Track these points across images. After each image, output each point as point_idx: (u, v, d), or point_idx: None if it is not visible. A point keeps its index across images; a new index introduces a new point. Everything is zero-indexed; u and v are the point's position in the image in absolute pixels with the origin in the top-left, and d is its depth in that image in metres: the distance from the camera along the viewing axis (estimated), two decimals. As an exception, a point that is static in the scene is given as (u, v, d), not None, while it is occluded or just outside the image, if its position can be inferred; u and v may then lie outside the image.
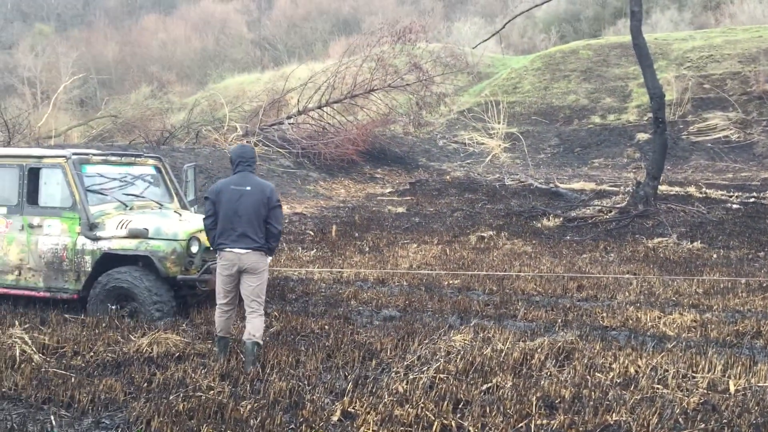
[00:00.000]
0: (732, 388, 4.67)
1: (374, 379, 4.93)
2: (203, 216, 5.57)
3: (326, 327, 6.59)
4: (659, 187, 15.55)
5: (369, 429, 3.97)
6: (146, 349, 5.60)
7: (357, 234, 13.32)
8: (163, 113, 27.37)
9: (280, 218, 5.52)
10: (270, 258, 5.63)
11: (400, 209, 16.60)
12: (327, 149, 21.07)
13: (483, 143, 27.69)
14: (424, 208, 16.71)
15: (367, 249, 11.80)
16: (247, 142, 20.31)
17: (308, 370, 5.18)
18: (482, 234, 13.04)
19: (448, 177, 21.52)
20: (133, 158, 8.16)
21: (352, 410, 4.28)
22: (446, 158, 26.31)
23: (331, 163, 21.21)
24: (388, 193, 19.54)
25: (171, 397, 4.53)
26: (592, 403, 4.38)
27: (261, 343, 5.42)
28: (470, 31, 48.49)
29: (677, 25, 44.44)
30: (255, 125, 22.34)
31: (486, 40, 21.31)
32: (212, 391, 4.62)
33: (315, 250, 11.60)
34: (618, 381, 4.85)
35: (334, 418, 4.21)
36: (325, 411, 4.32)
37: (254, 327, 5.36)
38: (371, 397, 4.49)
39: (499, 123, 28.07)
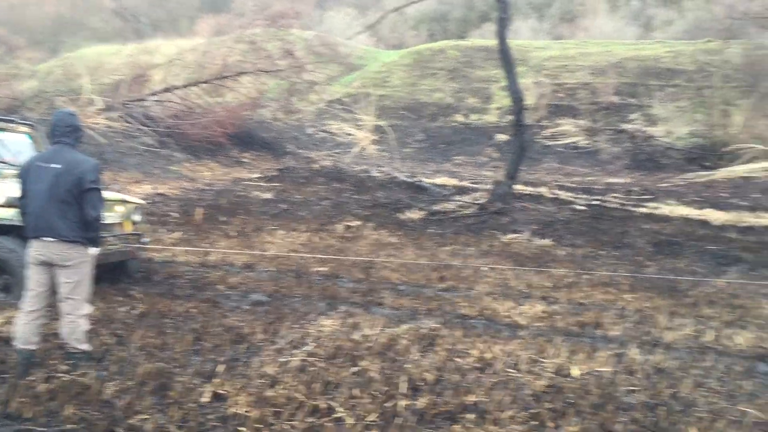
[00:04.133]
0: (575, 373, 5.13)
1: (244, 362, 4.97)
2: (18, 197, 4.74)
3: (194, 310, 6.53)
4: (515, 186, 16.50)
5: (240, 410, 4.02)
6: (2, 329, 5.31)
7: (223, 218, 13.14)
8: (10, 79, 25.38)
9: (96, 203, 4.55)
10: (94, 249, 4.68)
11: (268, 195, 16.51)
12: (193, 130, 20.50)
13: (351, 134, 28.01)
14: (292, 195, 16.72)
15: (234, 233, 11.68)
16: (107, 118, 19.36)
17: (176, 353, 5.13)
18: (349, 223, 13.28)
19: (316, 165, 21.62)
20: (4, 123, 7.59)
21: (223, 392, 4.31)
22: (315, 147, 26.37)
23: (197, 145, 20.65)
24: (256, 178, 19.35)
25: (30, 378, 4.35)
26: (452, 385, 4.66)
27: (85, 349, 4.67)
28: (342, 21, 48.72)
29: (537, 34, 47.00)
30: (116, 99, 21.30)
31: (361, 33, 21.57)
32: (75, 372, 4.47)
33: (180, 232, 11.34)
34: (476, 365, 5.19)
35: (204, 400, 4.22)
36: (194, 392, 4.32)
37: (69, 332, 4.61)
38: (242, 379, 4.54)
39: (368, 115, 28.50)
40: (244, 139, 23.28)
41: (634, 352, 5.71)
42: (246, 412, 3.97)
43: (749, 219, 15.77)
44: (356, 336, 5.69)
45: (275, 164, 22.01)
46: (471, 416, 4.12)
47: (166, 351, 5.19)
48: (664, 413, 4.33)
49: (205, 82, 22.09)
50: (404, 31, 54.07)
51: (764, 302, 8.32)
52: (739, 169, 21.53)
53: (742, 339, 6.44)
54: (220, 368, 4.73)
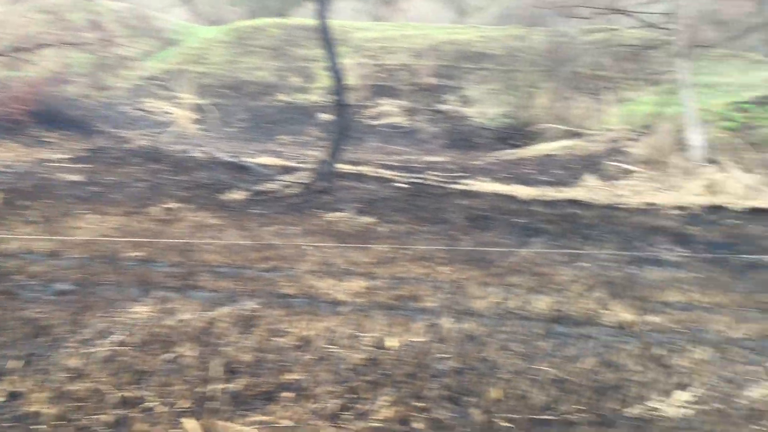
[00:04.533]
0: (392, 345, 5.30)
1: (44, 356, 4.61)
2: None
3: (-15, 304, 5.95)
4: (339, 165, 16.68)
5: (37, 407, 3.73)
6: None
7: (24, 203, 12.07)
8: None
9: None
10: None
11: (76, 177, 15.39)
12: (-13, 107, 18.60)
13: (169, 113, 26.82)
14: (104, 177, 15.71)
15: (37, 219, 10.78)
16: None
17: (-36, 352, 4.66)
18: (167, 206, 12.73)
19: (131, 145, 20.47)
20: None
21: (18, 390, 3.98)
22: (129, 126, 24.93)
23: (-8, 123, 18.77)
24: (62, 159, 17.94)
25: None
26: (271, 365, 4.64)
27: None
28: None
29: (358, 15, 47.59)
30: None
31: (176, 6, 20.59)
32: None
33: (-28, 220, 10.27)
34: (296, 344, 5.20)
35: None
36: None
37: None
38: (41, 375, 4.21)
39: (186, 93, 27.41)
40: (49, 117, 21.47)
41: (446, 322, 6.00)
42: (44, 408, 3.69)
43: (551, 193, 17.13)
44: (171, 321, 5.48)
45: (85, 144, 20.55)
46: (289, 394, 4.12)
47: (-48, 350, 4.70)
48: (471, 377, 4.59)
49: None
50: (223, 7, 52.44)
51: (562, 269, 9.09)
52: (543, 148, 23.28)
53: (542, 304, 6.98)
54: (15, 364, 4.35)
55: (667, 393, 4.47)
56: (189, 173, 16.71)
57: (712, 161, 19.03)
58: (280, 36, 33.92)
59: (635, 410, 4.15)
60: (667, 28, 20.58)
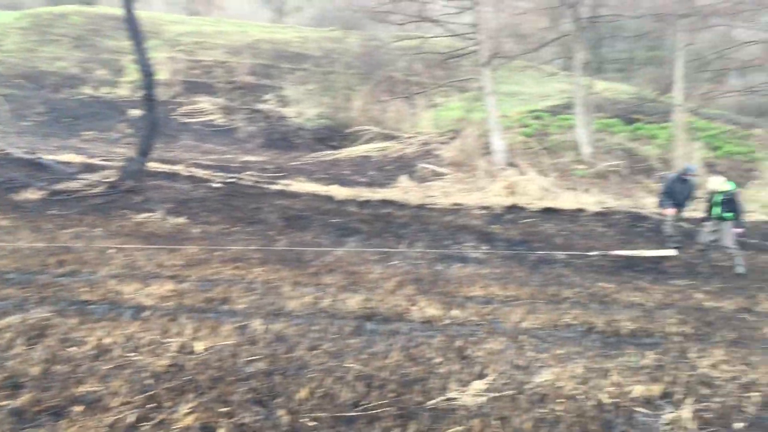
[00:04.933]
0: (199, 348, 5.12)
1: None
2: None
3: None
4: (149, 163, 15.90)
5: None
6: None
7: None
8: None
9: None
10: None
11: None
12: None
13: (-47, 103, 24.08)
14: None
15: None
16: None
17: None
18: (-53, 206, 11.42)
19: None
20: None
21: None
22: None
23: None
24: None
25: None
26: (61, 377, 4.30)
27: None
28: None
29: (172, 7, 45.74)
30: None
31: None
32: None
33: None
34: (92, 353, 4.86)
35: None
36: None
37: None
38: None
39: (-26, 82, 24.78)
40: None
41: (257, 323, 5.91)
42: None
43: (366, 194, 17.54)
44: (-56, 335, 4.90)
45: None
46: (79, 408, 3.83)
47: None
48: (280, 378, 4.55)
49: None
50: (20, -10, 48.08)
51: (373, 268, 9.32)
52: (359, 149, 23.77)
53: (353, 302, 7.10)
54: None
55: (465, 383, 4.71)
56: (-25, 170, 15.10)
57: (512, 164, 20.50)
58: (84, 25, 31.70)
59: (435, 401, 4.33)
60: (472, 39, 21.86)
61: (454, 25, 22.83)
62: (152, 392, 4.15)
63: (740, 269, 11.06)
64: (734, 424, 4.39)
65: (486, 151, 21.53)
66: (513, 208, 16.86)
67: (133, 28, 15.23)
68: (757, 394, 4.95)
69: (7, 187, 13.82)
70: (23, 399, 3.85)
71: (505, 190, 18.36)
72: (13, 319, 5.48)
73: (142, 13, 16.05)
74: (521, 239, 13.16)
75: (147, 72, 15.21)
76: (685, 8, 21.68)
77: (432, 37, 24.63)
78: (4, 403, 3.79)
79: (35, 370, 4.34)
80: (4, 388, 4.02)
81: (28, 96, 26.22)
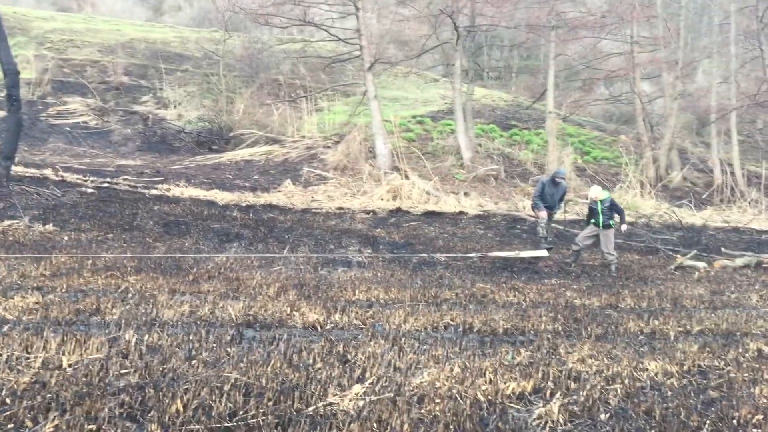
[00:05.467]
0: (65, 363, 4.84)
1: None
2: None
3: None
4: (14, 168, 14.94)
5: None
6: None
7: None
8: None
9: None
10: None
11: None
12: None
13: None
14: None
15: None
16: None
17: None
18: None
19: None
20: None
21: None
22: None
23: None
24: None
25: None
26: None
27: None
28: None
29: (39, 3, 43.24)
30: None
31: None
32: None
33: None
34: (-57, 373, 4.48)
35: None
36: None
37: None
38: None
39: None
40: None
41: (130, 335, 5.66)
42: None
43: (249, 198, 17.29)
44: None
45: None
46: (-75, 434, 3.53)
47: None
48: (152, 391, 4.37)
49: None
50: None
51: (255, 273, 9.17)
52: (242, 153, 23.39)
53: (233, 309, 6.95)
54: None
55: (345, 387, 4.71)
56: None
57: (395, 169, 20.81)
58: (-61, 18, 29.36)
59: (316, 407, 4.31)
60: (356, 44, 22.05)
61: (338, 29, 22.95)
62: (11, 411, 3.88)
63: (615, 271, 11.78)
64: (599, 415, 4.64)
65: (370, 155, 21.75)
66: (396, 212, 17.13)
67: (-6, 22, 14.25)
68: (619, 386, 5.26)
69: None
70: None
71: (389, 194, 18.64)
72: None
73: (6, 8, 15.04)
74: (404, 242, 13.37)
75: (10, 70, 14.28)
76: (555, 20, 22.84)
77: (316, 41, 24.65)
78: None
79: None
80: None
81: None
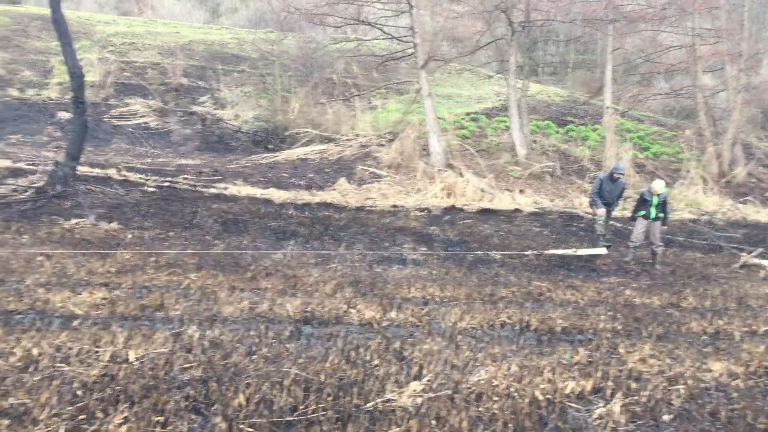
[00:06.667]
0: (132, 357, 5.01)
1: None
2: None
3: None
4: (79, 168, 15.45)
5: None
6: None
7: None
8: None
9: None
10: None
11: None
12: None
13: None
14: None
15: None
16: None
17: None
18: None
19: None
20: None
21: None
22: None
23: None
24: None
25: None
26: (-13, 391, 4.14)
27: None
28: None
29: (102, 8, 44.56)
30: None
31: None
32: None
33: None
34: (18, 365, 4.69)
35: None
36: None
37: None
38: None
39: None
40: None
41: (192, 330, 5.82)
42: None
43: (305, 196, 17.47)
44: None
45: None
46: (4, 422, 3.70)
47: None
48: (215, 385, 4.49)
49: None
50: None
51: (312, 271, 9.28)
52: (297, 151, 23.65)
53: (291, 306, 7.06)
54: None
55: (403, 384, 4.75)
56: None
57: (449, 166, 20.74)
58: (9, 25, 30.53)
59: (374, 403, 4.35)
60: (409, 42, 22.04)
61: (392, 28, 22.98)
62: (82, 403, 4.04)
63: (660, 266, 11.57)
64: (662, 416, 4.55)
65: (424, 153, 21.72)
66: (451, 210, 17.07)
67: (60, 28, 14.77)
68: (683, 386, 5.15)
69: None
70: (-56, 415, 3.71)
71: (443, 192, 18.58)
72: (-67, 331, 5.25)
73: (71, 13, 15.60)
74: (459, 240, 13.32)
75: (76, 73, 14.77)
76: (613, 14, 22.38)
77: (369, 39, 24.72)
78: None
79: (-43, 385, 4.18)
80: None
81: (-52, 98, 25.14)
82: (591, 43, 31.78)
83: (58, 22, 14.69)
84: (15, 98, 26.23)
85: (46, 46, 29.15)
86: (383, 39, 23.90)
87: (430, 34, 22.55)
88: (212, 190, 17.10)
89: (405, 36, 22.59)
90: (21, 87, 26.87)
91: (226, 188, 17.58)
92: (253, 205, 15.58)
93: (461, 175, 19.67)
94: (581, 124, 25.80)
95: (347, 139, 24.37)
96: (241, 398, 4.26)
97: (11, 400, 3.99)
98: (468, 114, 25.85)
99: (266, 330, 6.04)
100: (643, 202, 12.10)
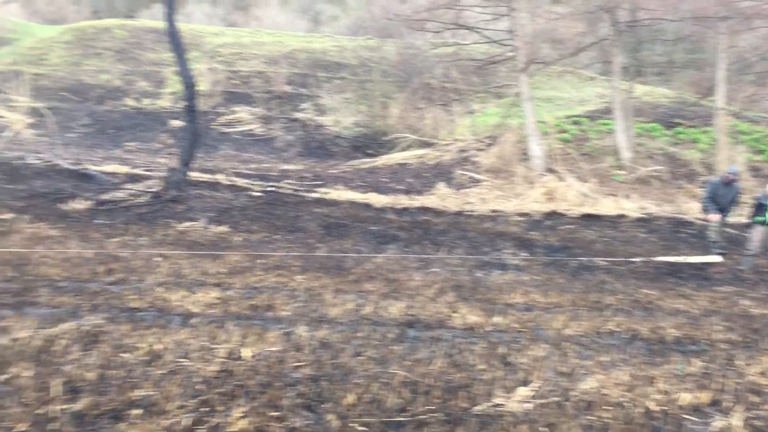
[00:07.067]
0: (246, 355, 5.23)
1: None
2: None
3: None
4: (191, 173, 16.21)
5: None
6: None
7: None
8: None
9: None
10: None
11: None
12: None
13: (2, 117, 24.85)
14: (-76, 186, 14.31)
15: None
16: None
17: None
18: (0, 217, 11.80)
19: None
20: None
21: None
22: (-45, 130, 22.83)
23: None
24: None
25: None
26: (117, 382, 4.44)
27: None
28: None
29: (211, 20, 46.53)
30: None
31: (9, 2, 19.16)
32: None
33: None
34: (144, 359, 5.00)
35: None
36: None
37: None
38: None
39: (22, 96, 25.52)
40: None
41: (301, 330, 6.01)
42: None
43: (404, 201, 17.61)
44: (3, 341, 5.09)
45: None
46: (137, 411, 3.96)
47: None
48: (326, 384, 4.63)
49: None
50: (64, 5, 49.42)
51: (413, 275, 9.37)
52: (396, 156, 23.87)
53: (395, 309, 7.16)
54: None
55: (510, 389, 4.73)
56: (25, 181, 15.57)
57: (550, 170, 20.37)
58: (126, 38, 32.44)
59: (482, 407, 4.36)
60: (509, 45, 21.82)
61: (491, 31, 22.83)
62: (205, 397, 4.26)
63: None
64: (785, 432, 4.34)
65: (524, 157, 21.44)
66: (552, 215, 16.77)
67: (175, 40, 15.57)
68: (808, 402, 4.88)
69: (55, 197, 14.21)
70: (83, 403, 3.99)
71: (544, 197, 18.27)
72: (68, 325, 5.66)
73: (182, 25, 16.42)
74: (561, 246, 13.08)
75: (189, 83, 15.52)
76: (726, 11, 21.33)
77: (469, 44, 24.64)
78: (65, 407, 3.94)
79: (91, 375, 4.49)
80: (64, 392, 4.17)
81: (73, 108, 26.93)
82: (701, 41, 30.40)
83: (173, 35, 15.49)
84: (131, 108, 27.84)
85: (160, 58, 30.74)
86: (482, 43, 23.76)
87: (530, 37, 22.23)
88: (314, 195, 17.53)
89: (504, 39, 22.38)
90: (136, 96, 28.48)
91: (327, 193, 17.97)
92: (354, 210, 15.86)
93: (562, 179, 19.28)
94: (691, 126, 24.72)
95: (445, 144, 24.39)
96: (352, 397, 4.38)
97: (141, 392, 4.26)
98: (569, 117, 25.30)
99: (372, 332, 6.16)
100: (759, 208, 11.50)
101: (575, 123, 24.82)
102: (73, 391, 4.24)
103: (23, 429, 3.63)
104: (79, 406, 3.97)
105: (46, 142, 23.00)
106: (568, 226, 15.49)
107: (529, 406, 4.40)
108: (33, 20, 41.10)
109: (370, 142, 26.49)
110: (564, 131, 23.91)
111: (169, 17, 15.41)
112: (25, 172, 16.63)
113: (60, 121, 25.09)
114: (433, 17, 22.28)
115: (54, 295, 7.02)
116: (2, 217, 11.70)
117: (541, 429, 4.06)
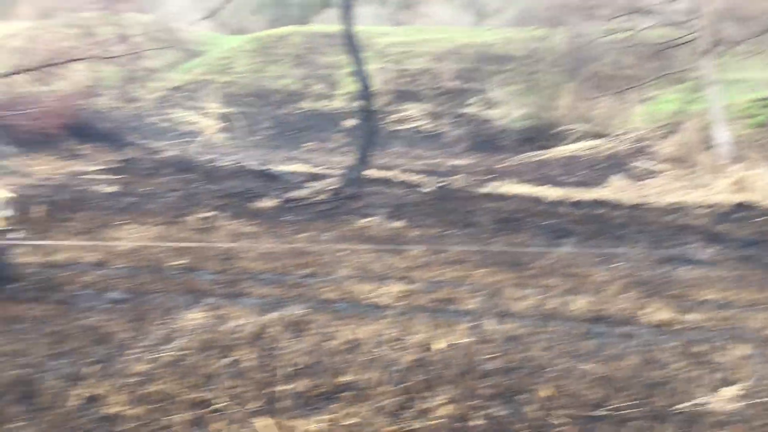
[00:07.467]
0: (438, 346, 5.49)
1: (113, 361, 4.86)
2: None
3: (46, 313, 6.23)
4: (366, 171, 16.91)
5: (117, 409, 3.97)
6: None
7: (64, 215, 12.42)
8: None
9: None
10: None
11: (111, 188, 15.76)
12: (22, 121, 19.03)
13: (196, 122, 27.27)
14: (138, 188, 16.07)
15: (79, 231, 11.11)
16: None
17: (35, 358, 4.92)
18: (202, 215, 13.02)
19: (161, 156, 20.87)
20: None
21: (96, 393, 4.22)
22: (158, 136, 25.38)
23: (27, 137, 19.20)
24: (96, 171, 18.36)
25: None
26: (325, 367, 4.85)
27: None
28: (181, 4, 46.86)
29: (379, 20, 47.82)
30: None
31: (206, 17, 21.02)
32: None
33: (21, 232, 10.60)
34: (345, 347, 5.40)
35: (76, 403, 4.11)
36: (63, 397, 4.19)
37: None
38: (114, 379, 4.45)
39: (212, 103, 27.83)
40: (81, 130, 21.94)
41: (488, 323, 6.17)
42: (124, 411, 3.93)
43: (577, 194, 17.21)
44: (224, 327, 5.71)
45: (117, 156, 20.97)
46: (348, 394, 4.32)
47: (22, 357, 4.95)
48: (519, 377, 4.76)
49: (32, 70, 20.51)
50: (245, 16, 52.95)
51: (594, 270, 9.20)
52: (567, 148, 23.33)
53: (577, 304, 7.12)
54: (88, 370, 4.60)
55: (712, 389, 4.60)
56: (220, 182, 17.01)
57: (739, 158, 18.96)
58: (302, 44, 34.25)
59: (684, 405, 4.29)
60: (690, 26, 20.56)
61: (668, 13, 21.63)
62: (404, 384, 4.55)
63: None
64: None
65: (708, 145, 20.13)
66: (742, 206, 15.64)
67: (350, 42, 16.30)
68: None
69: (246, 196, 15.41)
70: (303, 384, 4.43)
71: (733, 187, 17.07)
72: (274, 315, 6.22)
73: (354, 27, 17.19)
74: (755, 240, 12.21)
75: (364, 83, 16.18)
76: None
77: (644, 28, 23.48)
78: (289, 387, 4.39)
79: (304, 360, 4.94)
80: (284, 375, 4.64)
81: (257, 112, 28.94)
82: None
83: (349, 37, 16.22)
84: (308, 109, 29.41)
85: (333, 61, 32.10)
86: (659, 26, 22.55)
87: (714, 16, 20.79)
88: (484, 189, 17.59)
89: (684, 20, 21.11)
90: (313, 99, 30.03)
91: (497, 187, 17.97)
92: (525, 204, 15.74)
93: (754, 167, 17.89)
94: None
95: (619, 134, 23.46)
96: (547, 390, 4.48)
97: (348, 377, 4.63)
98: (760, 100, 23.35)
99: (558, 327, 6.20)
100: None
101: (767, 106, 22.88)
102: (289, 374, 4.70)
103: (255, 406, 4.09)
104: (299, 387, 4.40)
105: (234, 145, 24.95)
106: (761, 218, 14.40)
107: (736, 406, 4.26)
108: (220, 32, 44.50)
109: (539, 135, 26.05)
110: (754, 116, 22.12)
111: (346, 20, 16.14)
112: (218, 173, 18.18)
113: (246, 124, 27.08)
114: (605, 3, 21.50)
115: (258, 286, 7.71)
116: (205, 215, 12.89)
117: (752, 430, 3.94)
